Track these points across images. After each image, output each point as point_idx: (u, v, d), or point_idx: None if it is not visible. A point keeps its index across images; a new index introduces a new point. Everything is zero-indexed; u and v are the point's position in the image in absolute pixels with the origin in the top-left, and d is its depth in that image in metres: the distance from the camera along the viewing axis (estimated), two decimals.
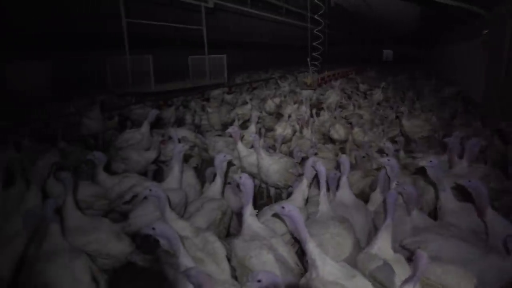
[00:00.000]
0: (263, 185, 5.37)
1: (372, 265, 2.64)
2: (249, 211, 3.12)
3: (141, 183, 4.29)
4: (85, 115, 7.29)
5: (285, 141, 6.91)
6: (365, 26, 30.77)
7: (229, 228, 4.06)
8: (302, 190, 3.85)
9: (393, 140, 6.36)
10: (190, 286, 2.25)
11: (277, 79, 17.13)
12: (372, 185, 4.55)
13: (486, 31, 10.30)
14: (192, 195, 4.48)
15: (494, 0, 9.22)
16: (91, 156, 4.56)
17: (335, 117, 8.38)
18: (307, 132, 7.22)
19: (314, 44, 15.83)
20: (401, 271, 2.56)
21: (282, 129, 7.21)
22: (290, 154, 5.97)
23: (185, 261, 2.52)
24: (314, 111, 8.71)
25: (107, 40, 11.29)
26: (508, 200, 4.06)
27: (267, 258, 2.76)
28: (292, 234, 2.78)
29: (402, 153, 5.75)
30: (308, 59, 15.69)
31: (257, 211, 3.28)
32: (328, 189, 3.78)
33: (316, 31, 15.44)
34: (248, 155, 5.12)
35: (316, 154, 5.72)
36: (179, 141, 5.35)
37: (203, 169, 5.76)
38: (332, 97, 11.51)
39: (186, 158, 5.30)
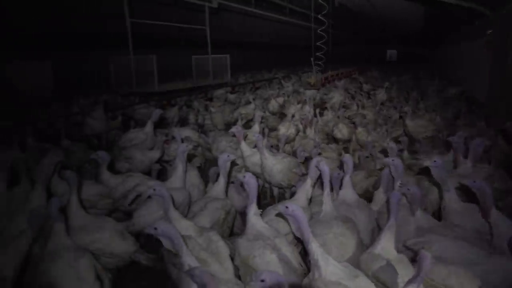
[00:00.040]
0: (266, 185, 5.36)
1: (375, 265, 2.63)
2: (253, 210, 3.12)
3: (145, 183, 4.31)
4: (89, 115, 7.33)
5: (289, 141, 6.91)
6: (369, 26, 30.71)
7: (233, 228, 4.06)
8: (305, 190, 3.84)
9: (396, 140, 6.34)
10: (193, 286, 2.25)
11: (281, 79, 17.12)
12: (376, 185, 4.54)
13: (490, 31, 10.25)
14: (195, 194, 4.49)
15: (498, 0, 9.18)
16: (95, 156, 4.57)
17: (338, 117, 8.37)
18: (310, 132, 7.21)
19: (318, 44, 15.81)
20: (404, 271, 2.55)
21: (285, 129, 7.21)
22: (294, 154, 5.96)
23: (189, 260, 2.52)
24: (317, 111, 8.70)
25: (111, 40, 11.34)
26: None
27: (270, 258, 2.76)
28: (294, 234, 2.78)
29: (405, 153, 5.73)
30: (312, 59, 15.69)
31: (261, 210, 3.28)
32: (331, 189, 3.78)
33: (320, 31, 15.42)
34: (251, 155, 5.12)
35: (319, 154, 5.72)
36: (182, 141, 5.36)
37: (206, 168, 5.78)
38: (336, 97, 11.49)
39: (189, 158, 5.31)
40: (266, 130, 7.01)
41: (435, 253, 2.58)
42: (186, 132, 6.67)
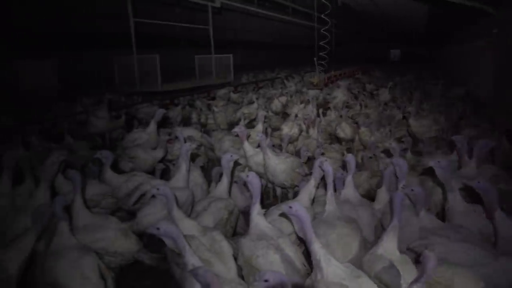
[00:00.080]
0: (270, 185, 5.36)
1: (378, 266, 2.63)
2: (256, 210, 3.12)
3: (149, 182, 4.32)
4: (93, 114, 7.35)
5: (292, 140, 6.90)
6: (372, 25, 30.61)
7: (236, 228, 4.06)
8: (309, 190, 3.84)
9: (400, 141, 6.31)
10: (197, 285, 2.26)
11: (283, 78, 17.09)
12: (379, 185, 4.52)
13: (495, 31, 10.19)
14: (199, 194, 4.50)
15: None
16: (98, 155, 4.58)
17: (341, 117, 8.36)
18: (313, 132, 7.20)
19: (321, 43, 15.76)
20: (407, 272, 2.54)
21: (288, 129, 7.19)
22: (297, 153, 5.96)
23: (192, 260, 2.52)
24: (320, 110, 8.68)
25: (115, 40, 11.37)
26: None
27: (273, 258, 2.75)
28: (297, 235, 2.78)
29: (409, 154, 5.70)
30: (315, 59, 15.64)
31: (265, 210, 3.28)
32: (335, 189, 3.78)
33: (323, 30, 15.37)
34: (254, 155, 5.11)
35: (322, 154, 5.71)
36: (185, 140, 5.36)
37: (209, 168, 5.78)
38: (339, 96, 11.46)
39: (192, 157, 5.32)
40: (269, 130, 7.01)
41: (439, 255, 2.57)
42: (189, 131, 6.68)
